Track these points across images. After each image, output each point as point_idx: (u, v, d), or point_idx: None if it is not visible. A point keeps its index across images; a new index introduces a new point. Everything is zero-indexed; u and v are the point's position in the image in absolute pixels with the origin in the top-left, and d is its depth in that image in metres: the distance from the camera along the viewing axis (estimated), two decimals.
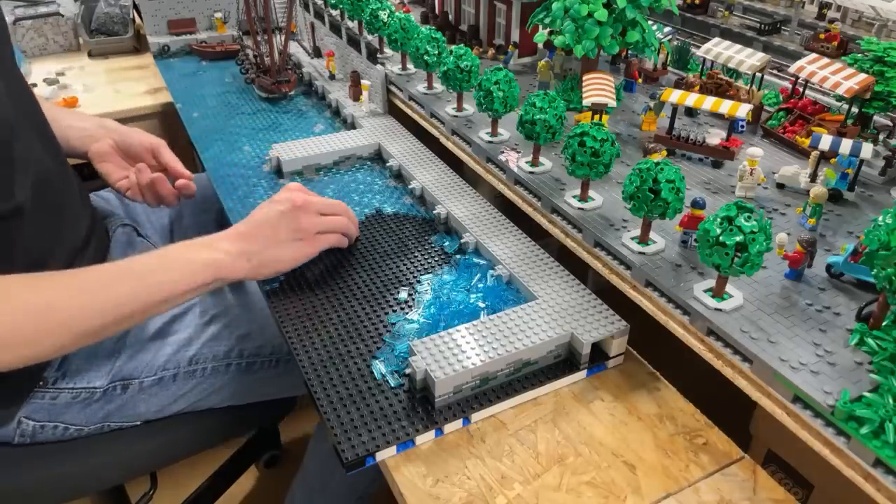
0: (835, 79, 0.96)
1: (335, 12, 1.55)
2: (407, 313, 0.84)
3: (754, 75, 1.13)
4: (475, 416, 0.72)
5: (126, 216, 1.14)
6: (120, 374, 0.89)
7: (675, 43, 1.39)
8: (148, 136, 1.05)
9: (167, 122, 1.67)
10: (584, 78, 1.07)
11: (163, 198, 1.02)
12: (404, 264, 0.93)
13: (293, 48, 1.64)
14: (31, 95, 0.92)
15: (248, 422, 1.13)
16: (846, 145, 0.84)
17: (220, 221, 1.04)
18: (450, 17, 1.55)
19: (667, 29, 1.30)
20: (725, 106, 0.95)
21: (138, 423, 0.92)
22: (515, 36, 1.35)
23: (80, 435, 0.89)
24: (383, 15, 1.30)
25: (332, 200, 0.93)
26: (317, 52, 1.62)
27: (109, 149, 1.03)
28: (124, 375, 0.89)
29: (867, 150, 0.84)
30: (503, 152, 1.02)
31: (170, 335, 0.93)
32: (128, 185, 1.03)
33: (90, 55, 1.91)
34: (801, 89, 1.11)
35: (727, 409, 0.73)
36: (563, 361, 0.78)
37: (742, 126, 1.09)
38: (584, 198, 0.89)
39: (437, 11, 1.64)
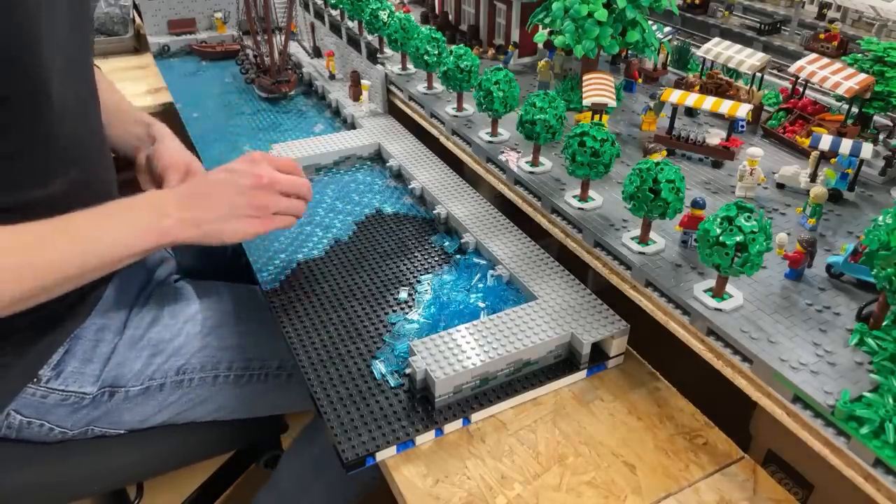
0: (835, 79, 0.96)
1: (335, 12, 1.55)
2: (407, 313, 0.84)
3: (754, 75, 1.13)
4: (475, 416, 0.72)
5: None
6: (109, 381, 0.88)
7: (675, 43, 1.39)
8: (169, 160, 0.97)
9: (167, 122, 1.64)
10: (584, 78, 1.07)
11: None
12: (404, 264, 0.93)
13: (293, 48, 1.64)
14: (95, 92, 0.90)
15: (233, 439, 1.11)
16: (846, 145, 0.84)
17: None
18: (450, 17, 1.55)
19: (667, 29, 1.30)
20: (725, 106, 0.95)
21: (122, 431, 0.91)
22: (515, 36, 1.35)
23: (63, 438, 0.88)
24: (383, 15, 1.30)
25: (297, 179, 0.86)
26: (317, 52, 1.62)
27: (143, 162, 1.02)
28: (113, 382, 0.89)
29: (867, 150, 0.84)
30: (503, 152, 1.02)
31: (161, 343, 0.93)
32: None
33: None
34: (801, 89, 1.11)
35: (727, 409, 0.73)
36: (563, 361, 0.78)
37: (742, 126, 1.09)
38: (584, 198, 0.89)
39: (437, 11, 1.64)
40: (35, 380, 0.85)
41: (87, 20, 0.89)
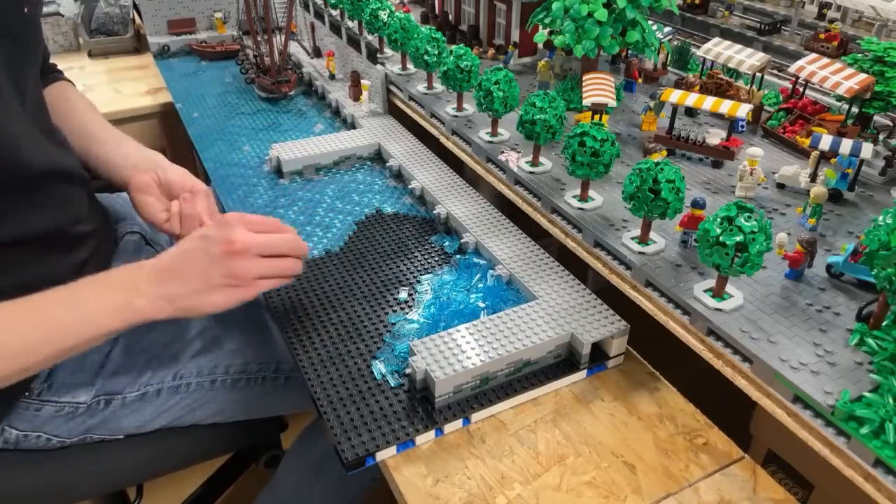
0: (835, 79, 0.96)
1: (335, 12, 1.55)
2: (407, 313, 0.84)
3: (754, 75, 1.13)
4: (475, 416, 0.72)
5: (142, 220, 1.12)
6: (104, 389, 0.88)
7: (675, 43, 1.39)
8: (191, 178, 0.98)
9: (167, 122, 1.67)
10: (584, 78, 1.07)
11: None
12: (404, 264, 0.93)
13: (293, 48, 1.64)
14: (41, 97, 0.89)
15: (232, 440, 1.11)
16: (846, 145, 0.84)
17: None
18: (450, 17, 1.55)
19: (667, 29, 1.30)
20: (725, 106, 0.95)
21: (121, 436, 0.91)
22: (515, 36, 1.35)
23: (63, 446, 0.88)
24: (383, 15, 1.30)
25: (278, 236, 0.80)
26: (317, 52, 1.62)
27: (152, 182, 0.98)
28: (108, 390, 0.88)
29: (867, 150, 0.84)
30: (503, 152, 1.02)
31: (157, 349, 0.92)
32: (167, 217, 0.95)
33: (90, 55, 1.91)
34: (801, 89, 1.11)
35: (727, 409, 0.73)
36: (563, 361, 0.78)
37: (742, 126, 1.09)
38: (584, 198, 0.89)
39: (437, 11, 1.64)
40: (27, 393, 0.84)
41: (27, 26, 0.84)
